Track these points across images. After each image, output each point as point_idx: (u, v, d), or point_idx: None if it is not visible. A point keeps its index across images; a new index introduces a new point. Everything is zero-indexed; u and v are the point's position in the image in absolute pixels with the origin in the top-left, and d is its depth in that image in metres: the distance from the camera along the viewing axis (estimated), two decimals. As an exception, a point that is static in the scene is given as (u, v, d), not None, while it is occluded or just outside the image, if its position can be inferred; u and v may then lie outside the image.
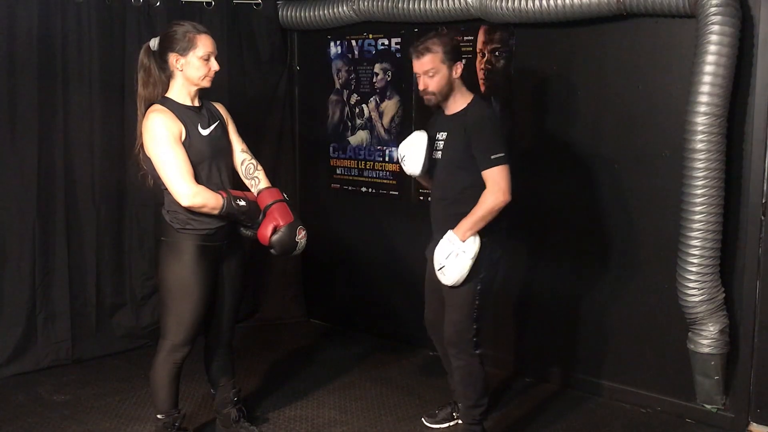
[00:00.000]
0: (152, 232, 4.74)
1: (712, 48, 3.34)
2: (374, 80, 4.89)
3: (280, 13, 5.07)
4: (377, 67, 4.86)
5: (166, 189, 3.18)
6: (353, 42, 4.96)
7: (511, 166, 3.20)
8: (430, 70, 3.21)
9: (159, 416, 3.31)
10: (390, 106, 4.83)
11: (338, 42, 5.04)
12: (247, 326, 5.14)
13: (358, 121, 5.01)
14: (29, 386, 4.18)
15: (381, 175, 4.92)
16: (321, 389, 4.20)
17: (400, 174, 4.79)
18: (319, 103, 5.17)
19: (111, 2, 4.50)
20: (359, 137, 5.02)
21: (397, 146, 4.78)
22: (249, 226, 3.27)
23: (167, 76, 3.20)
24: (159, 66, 3.20)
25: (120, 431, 3.69)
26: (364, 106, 4.96)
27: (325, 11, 4.83)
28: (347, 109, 5.06)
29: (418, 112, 4.68)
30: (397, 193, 4.85)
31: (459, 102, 3.29)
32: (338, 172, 5.15)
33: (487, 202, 3.16)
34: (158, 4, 4.63)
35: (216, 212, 3.14)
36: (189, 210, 3.14)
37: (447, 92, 3.26)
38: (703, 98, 3.38)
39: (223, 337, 3.46)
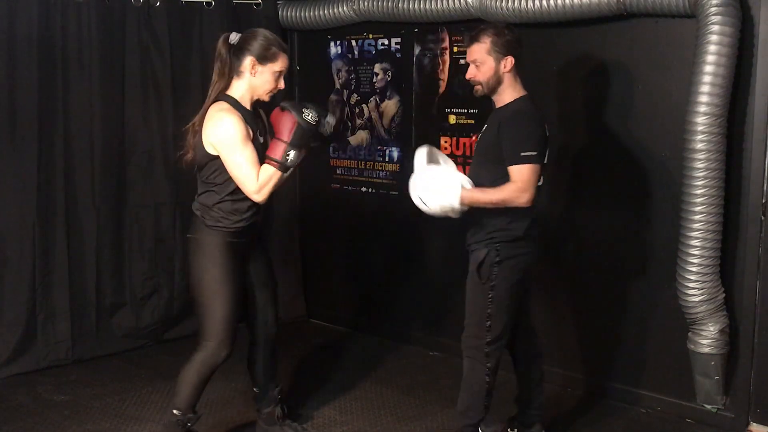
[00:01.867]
0: (152, 232, 4.75)
1: (712, 48, 3.34)
2: (374, 80, 4.89)
3: (280, 13, 5.07)
4: (377, 67, 4.86)
5: (206, 183, 3.21)
6: (353, 42, 4.96)
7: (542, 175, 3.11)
8: (476, 60, 3.15)
9: (175, 411, 3.29)
10: (390, 106, 4.83)
11: (338, 42, 5.04)
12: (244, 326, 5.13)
13: (358, 121, 5.01)
14: (29, 386, 4.17)
15: (381, 175, 4.92)
16: (321, 389, 4.19)
17: (400, 174, 4.79)
18: (319, 103, 5.15)
19: (111, 2, 4.50)
20: (359, 137, 5.02)
21: (397, 146, 4.81)
22: (321, 131, 3.29)
23: (232, 74, 3.22)
24: (231, 60, 3.21)
25: (120, 431, 3.69)
26: (364, 106, 4.96)
27: (325, 11, 4.83)
28: (347, 109, 5.06)
29: (418, 112, 4.69)
30: (397, 193, 4.85)
31: (506, 97, 3.18)
32: (338, 172, 5.15)
33: (505, 192, 3.05)
34: (158, 4, 4.63)
35: (282, 175, 3.18)
36: (222, 209, 3.18)
37: (494, 85, 3.16)
38: (703, 98, 3.38)
39: (269, 332, 3.48)
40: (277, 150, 3.15)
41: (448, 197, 3.08)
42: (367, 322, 5.13)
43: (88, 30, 4.43)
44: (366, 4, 4.59)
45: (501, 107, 3.21)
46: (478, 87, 3.21)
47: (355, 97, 5.01)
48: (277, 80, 3.23)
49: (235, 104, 3.18)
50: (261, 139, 3.24)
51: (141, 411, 3.90)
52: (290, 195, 5.33)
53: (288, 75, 5.14)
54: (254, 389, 3.58)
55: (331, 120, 3.34)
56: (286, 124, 3.16)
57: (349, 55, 5.00)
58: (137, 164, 4.65)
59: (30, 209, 4.31)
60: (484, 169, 3.19)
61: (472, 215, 3.20)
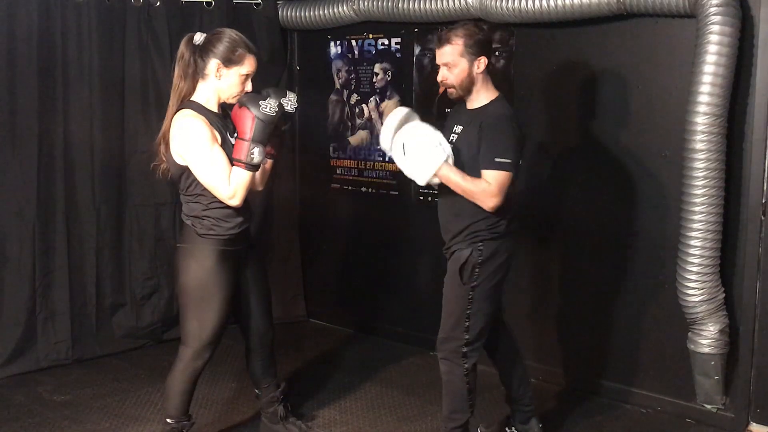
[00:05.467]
0: (152, 232, 4.75)
1: (712, 48, 3.34)
2: (374, 80, 4.89)
3: (280, 13, 5.07)
4: (377, 67, 4.86)
5: (186, 195, 3.14)
6: (353, 42, 4.96)
7: (515, 179, 3.09)
8: (449, 62, 3.11)
9: (168, 420, 3.27)
10: (390, 106, 4.82)
11: (338, 42, 5.04)
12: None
13: (358, 121, 5.01)
14: (29, 386, 4.18)
15: (381, 175, 4.92)
16: (321, 389, 4.20)
17: (400, 174, 4.77)
18: (319, 103, 5.17)
19: (111, 2, 4.50)
20: (359, 137, 5.02)
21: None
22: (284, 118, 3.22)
23: (197, 77, 3.13)
24: (194, 62, 3.12)
25: (120, 431, 3.69)
26: (364, 106, 4.96)
27: (325, 11, 4.83)
28: (347, 109, 5.06)
29: (418, 112, 4.66)
30: (397, 193, 4.85)
31: (482, 97, 3.15)
32: (338, 172, 5.15)
33: (478, 188, 3.00)
34: (158, 4, 4.63)
35: (253, 174, 3.09)
36: (211, 216, 3.11)
37: (468, 86, 3.13)
38: (703, 98, 3.38)
39: (264, 338, 3.46)
40: (241, 150, 3.04)
41: (431, 159, 2.99)
42: (367, 323, 5.13)
43: (88, 30, 4.43)
44: (366, 4, 4.59)
45: (477, 109, 3.17)
46: (450, 90, 3.18)
47: (355, 97, 5.01)
48: (243, 83, 3.12)
49: (200, 109, 3.08)
50: (232, 141, 3.13)
51: (141, 411, 3.90)
52: (290, 195, 5.33)
53: (288, 75, 5.23)
54: (256, 391, 3.59)
55: (291, 97, 3.21)
56: (245, 122, 3.05)
57: (349, 55, 5.00)
58: (137, 164, 4.65)
59: (30, 209, 4.31)
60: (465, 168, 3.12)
61: (452, 216, 3.20)
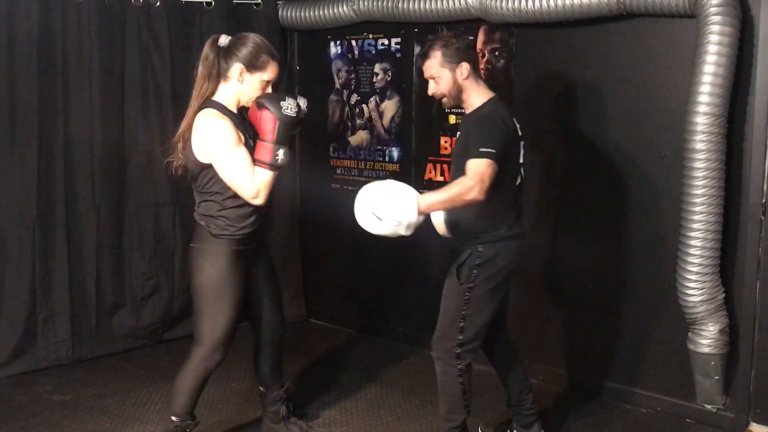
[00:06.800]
0: (152, 232, 4.75)
1: (712, 48, 3.34)
2: (374, 80, 4.89)
3: (280, 13, 5.07)
4: (377, 67, 4.86)
5: (202, 193, 3.16)
6: (353, 42, 4.96)
7: (497, 170, 3.02)
8: (432, 75, 3.17)
9: (174, 418, 3.28)
10: (390, 106, 4.83)
11: (338, 42, 5.04)
12: (248, 326, 5.12)
13: (358, 121, 5.01)
14: (29, 386, 4.18)
15: (381, 175, 4.92)
16: (321, 389, 4.20)
17: (400, 174, 4.80)
18: (319, 103, 5.17)
19: (111, 2, 4.50)
20: (359, 137, 5.02)
21: (397, 146, 4.81)
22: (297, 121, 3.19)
23: (219, 78, 3.14)
24: (218, 63, 3.13)
25: (120, 431, 3.69)
26: (364, 106, 4.96)
27: (325, 11, 4.83)
28: (347, 109, 5.06)
29: (418, 112, 4.69)
30: (397, 193, 4.84)
31: (474, 102, 3.19)
32: (338, 172, 5.15)
33: (457, 186, 2.95)
34: (158, 4, 4.63)
35: (275, 174, 3.11)
36: (226, 216, 3.13)
37: (457, 94, 3.17)
38: (703, 98, 3.38)
39: (276, 334, 3.49)
40: (266, 152, 3.07)
41: (406, 207, 2.94)
42: (367, 323, 5.13)
43: (88, 30, 4.43)
44: (366, 4, 4.59)
45: (471, 112, 3.21)
46: (445, 100, 3.22)
47: (355, 97, 5.01)
48: (264, 89, 3.15)
49: (223, 109, 3.11)
50: (252, 142, 3.16)
51: (141, 411, 3.90)
52: (290, 195, 5.33)
53: (288, 75, 5.23)
54: (260, 388, 3.59)
55: (302, 103, 3.21)
56: (267, 124, 3.07)
57: (349, 55, 5.00)
58: (137, 164, 4.65)
59: (30, 209, 4.31)
60: (460, 174, 3.13)
61: (457, 221, 3.20)
